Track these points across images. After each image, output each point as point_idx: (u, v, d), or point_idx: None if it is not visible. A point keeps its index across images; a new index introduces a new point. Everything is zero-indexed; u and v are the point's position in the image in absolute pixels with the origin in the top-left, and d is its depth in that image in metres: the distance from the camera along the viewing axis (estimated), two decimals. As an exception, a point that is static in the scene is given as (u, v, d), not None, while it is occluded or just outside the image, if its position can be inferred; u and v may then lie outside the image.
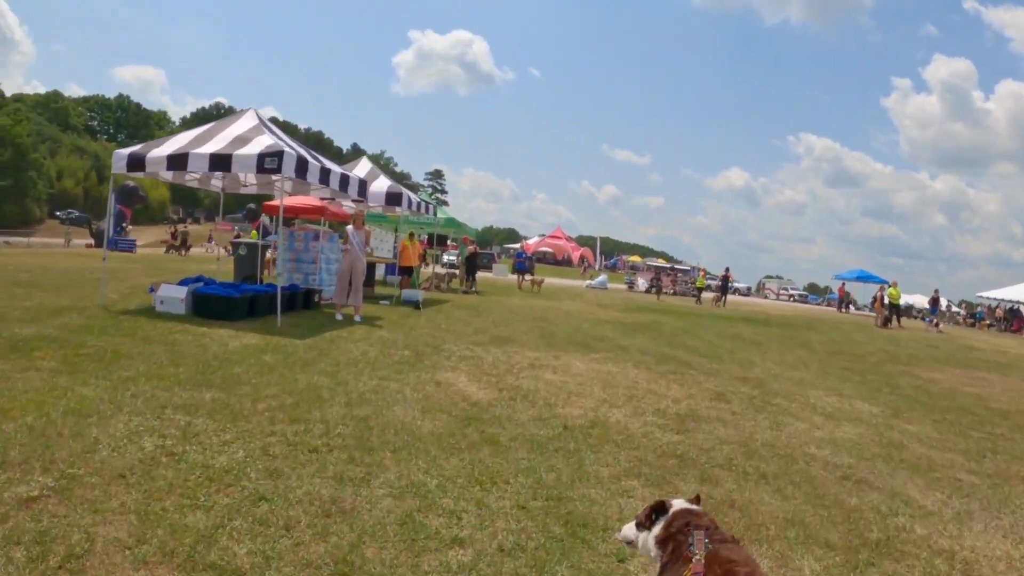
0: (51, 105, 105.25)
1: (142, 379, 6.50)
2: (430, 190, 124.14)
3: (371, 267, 17.96)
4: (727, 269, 37.85)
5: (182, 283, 11.87)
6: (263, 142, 10.97)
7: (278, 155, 10.47)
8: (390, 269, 22.56)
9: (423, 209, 18.01)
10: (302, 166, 11.12)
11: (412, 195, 17.25)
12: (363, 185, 13.82)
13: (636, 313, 22.11)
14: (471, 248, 25.25)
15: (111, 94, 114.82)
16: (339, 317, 12.34)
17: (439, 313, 15.06)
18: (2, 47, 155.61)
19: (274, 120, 67.23)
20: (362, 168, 17.21)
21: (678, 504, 2.59)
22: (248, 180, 14.53)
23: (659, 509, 2.60)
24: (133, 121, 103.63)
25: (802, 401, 8.99)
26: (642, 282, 46.92)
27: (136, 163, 11.18)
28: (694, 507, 2.57)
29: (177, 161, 10.90)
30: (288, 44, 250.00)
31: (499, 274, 40.37)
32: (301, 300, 13.27)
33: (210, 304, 10.88)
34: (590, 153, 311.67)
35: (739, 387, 9.47)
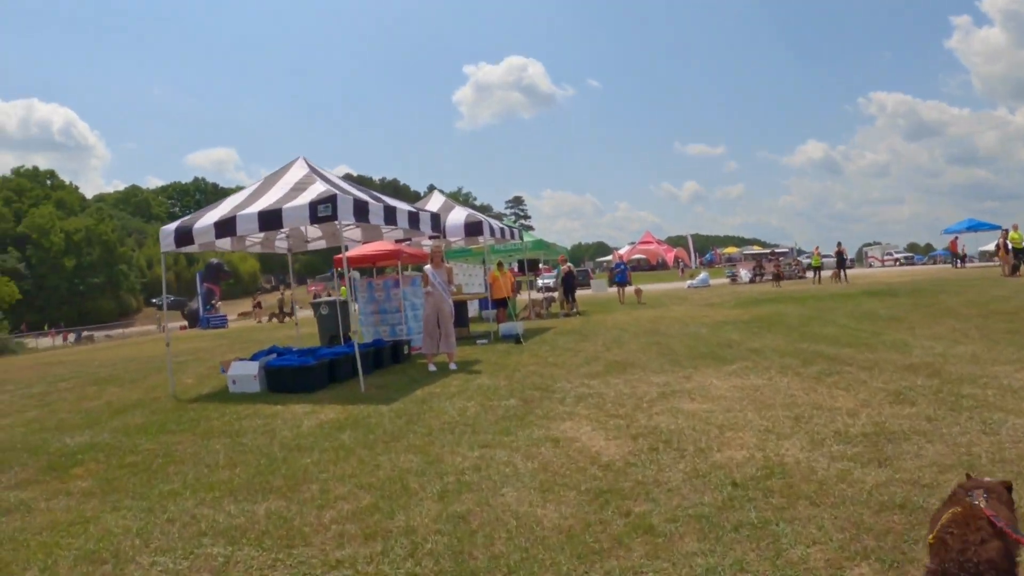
0: (132, 199, 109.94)
1: (187, 492, 5.19)
2: (513, 217, 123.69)
3: (460, 306, 16.62)
4: (839, 244, 35.21)
5: (255, 357, 10.73)
6: (316, 190, 9.75)
7: (331, 200, 9.15)
8: (484, 304, 21.03)
9: (507, 235, 16.61)
10: (361, 208, 9.81)
11: (493, 222, 15.84)
12: (436, 219, 12.45)
13: (751, 307, 20.01)
14: (566, 267, 23.63)
15: (187, 179, 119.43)
16: (432, 368, 10.90)
17: (543, 344, 13.53)
18: (79, 154, 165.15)
19: (348, 176, 67.70)
20: (434, 203, 15.92)
21: None
22: (311, 234, 13.39)
23: None
24: (211, 200, 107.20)
25: (995, 385, 6.98)
26: (744, 273, 44.33)
27: (184, 236, 10.10)
28: None
29: (225, 227, 9.69)
30: (351, 102, 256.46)
31: (598, 290, 38.50)
32: (389, 355, 11.94)
33: (284, 377, 9.65)
34: (664, 153, 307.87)
35: (913, 379, 7.52)
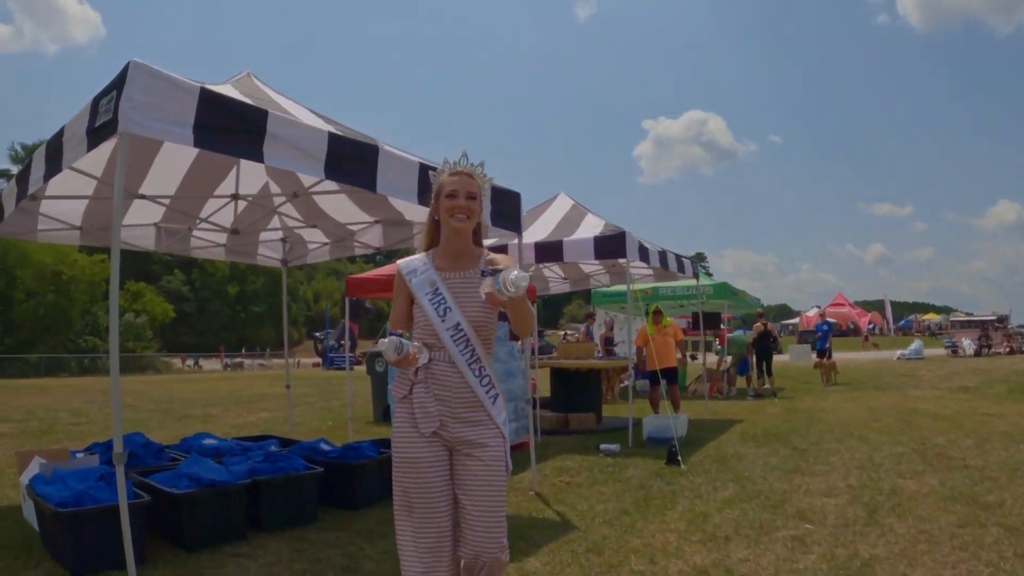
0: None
1: None
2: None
3: (587, 379, 10.66)
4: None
5: (101, 453, 5.37)
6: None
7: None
8: (638, 373, 13.71)
9: (674, 264, 10.51)
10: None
11: (648, 243, 9.84)
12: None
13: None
14: (760, 326, 16.31)
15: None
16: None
17: (720, 468, 7.27)
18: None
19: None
20: (559, 208, 10.29)
21: None
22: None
23: None
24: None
25: None
26: (968, 343, 35.78)
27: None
28: None
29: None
30: (533, 155, 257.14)
31: (798, 357, 30.60)
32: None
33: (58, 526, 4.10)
34: (847, 213, 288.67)
35: None
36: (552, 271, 12.80)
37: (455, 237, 2.83)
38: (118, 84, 3.47)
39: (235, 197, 6.37)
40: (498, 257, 2.74)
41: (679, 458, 7.33)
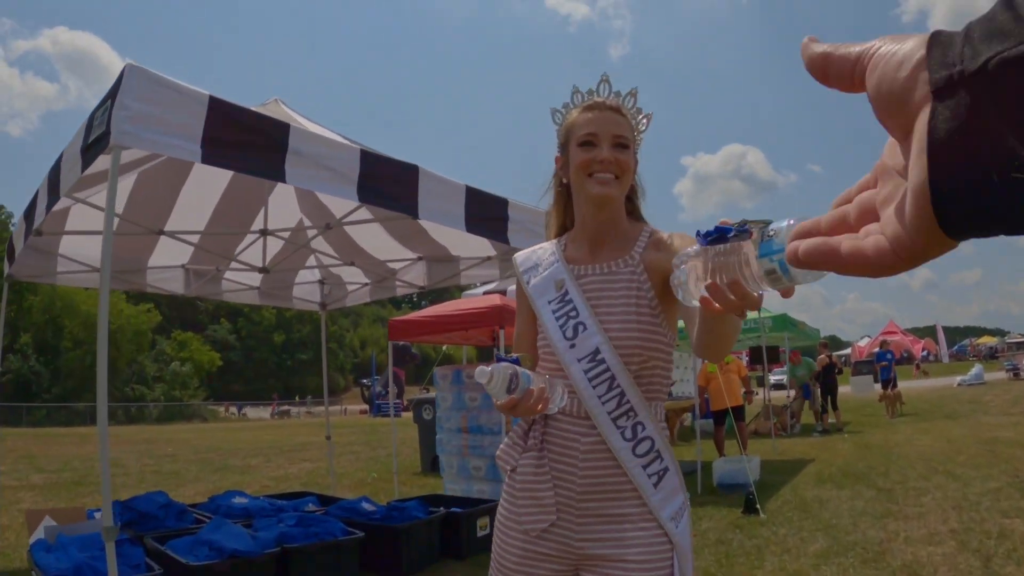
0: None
1: None
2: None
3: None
4: None
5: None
6: None
7: None
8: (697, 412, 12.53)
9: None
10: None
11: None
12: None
13: None
14: (824, 358, 15.10)
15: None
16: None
17: (803, 515, 6.52)
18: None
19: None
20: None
21: None
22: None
23: None
24: (435, 289, 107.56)
25: None
26: (1032, 367, 34.33)
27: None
28: None
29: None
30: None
31: (861, 390, 29.04)
32: (431, 536, 5.57)
33: None
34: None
35: None
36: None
37: (596, 210, 1.71)
38: (113, 92, 2.96)
39: (264, 233, 5.88)
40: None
41: (757, 506, 6.58)
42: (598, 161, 1.64)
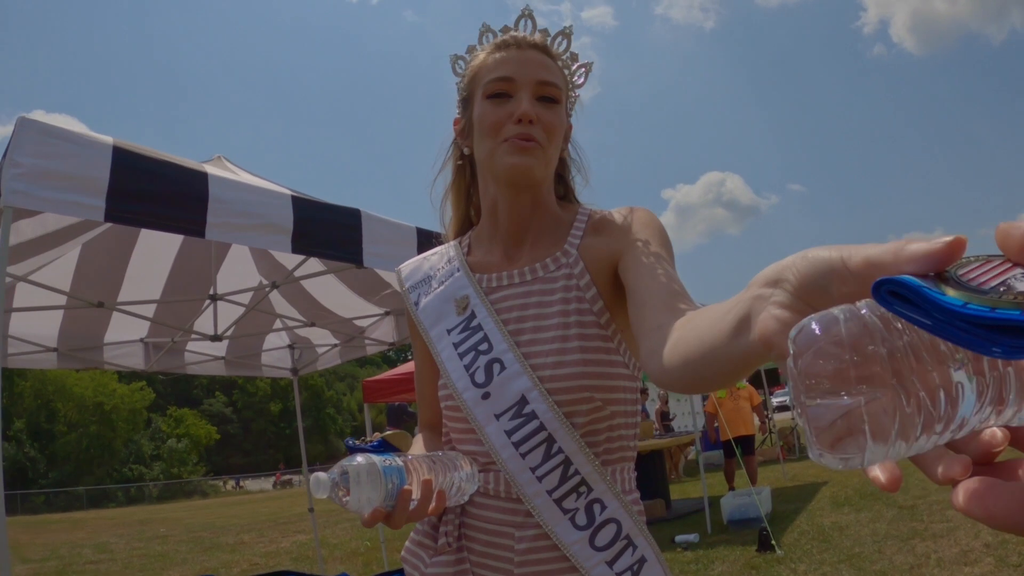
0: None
1: None
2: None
3: (652, 460, 9.40)
4: None
5: None
6: None
7: None
8: (705, 443, 12.00)
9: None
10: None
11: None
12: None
13: None
14: None
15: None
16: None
17: (824, 548, 6.13)
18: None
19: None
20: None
21: None
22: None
23: None
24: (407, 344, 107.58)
25: None
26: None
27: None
28: None
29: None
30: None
31: None
32: None
33: None
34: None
35: None
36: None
37: (513, 191, 1.17)
38: (5, 148, 2.66)
39: (213, 298, 5.54)
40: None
41: (773, 542, 6.17)
42: (515, 119, 1.11)
